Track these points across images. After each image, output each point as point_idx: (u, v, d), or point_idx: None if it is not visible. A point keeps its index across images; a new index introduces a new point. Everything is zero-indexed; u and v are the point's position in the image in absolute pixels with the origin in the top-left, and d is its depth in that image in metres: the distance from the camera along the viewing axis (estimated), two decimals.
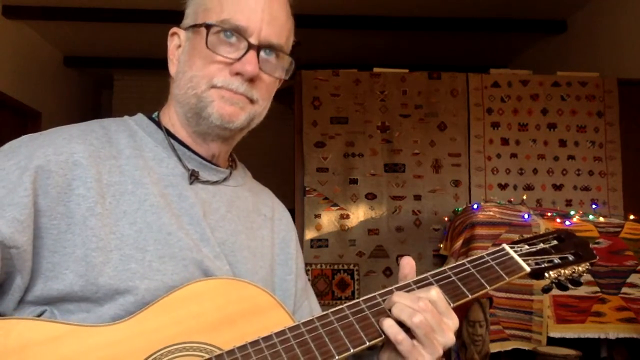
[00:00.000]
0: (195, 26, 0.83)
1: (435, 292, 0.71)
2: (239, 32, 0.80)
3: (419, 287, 0.75)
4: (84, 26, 4.81)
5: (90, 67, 5.97)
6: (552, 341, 2.34)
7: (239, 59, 0.79)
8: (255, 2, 0.81)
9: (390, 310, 0.71)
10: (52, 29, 4.98)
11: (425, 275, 0.78)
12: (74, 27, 4.88)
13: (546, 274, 0.84)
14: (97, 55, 5.76)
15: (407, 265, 0.78)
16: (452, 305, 0.75)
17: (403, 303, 0.70)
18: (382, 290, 0.76)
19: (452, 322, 0.72)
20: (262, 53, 0.81)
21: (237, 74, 0.80)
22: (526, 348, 2.35)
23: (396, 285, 0.77)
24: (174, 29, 0.88)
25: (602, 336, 2.39)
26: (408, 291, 0.75)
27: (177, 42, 0.87)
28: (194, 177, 0.83)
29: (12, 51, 4.72)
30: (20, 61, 4.85)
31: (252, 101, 0.83)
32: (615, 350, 2.48)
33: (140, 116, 0.88)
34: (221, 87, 0.80)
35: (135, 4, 4.38)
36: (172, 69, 0.86)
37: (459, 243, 2.49)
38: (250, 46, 0.80)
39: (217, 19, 0.80)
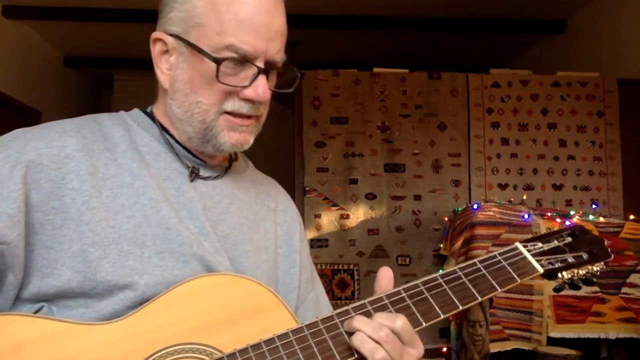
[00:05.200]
0: (192, 46, 0.76)
1: (400, 323, 0.68)
2: (247, 59, 0.75)
3: (393, 305, 0.72)
4: (84, 26, 4.79)
5: (90, 67, 5.95)
6: (552, 341, 2.34)
7: (249, 84, 0.76)
8: (260, 20, 0.74)
9: (350, 335, 0.68)
10: (52, 29, 4.96)
11: (416, 283, 0.75)
12: (74, 27, 4.86)
13: (559, 275, 0.80)
14: (97, 55, 5.74)
15: (385, 277, 0.75)
16: (461, 308, 0.74)
17: (364, 333, 0.67)
18: (339, 310, 0.72)
19: (417, 351, 0.69)
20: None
21: (247, 99, 0.77)
22: (526, 348, 2.35)
23: (369, 299, 0.73)
24: (158, 35, 0.80)
25: (602, 336, 2.39)
26: (382, 308, 0.71)
27: (163, 48, 0.80)
28: (194, 174, 0.82)
29: (12, 51, 4.71)
30: (20, 61, 4.84)
31: (257, 117, 0.82)
32: (615, 350, 2.48)
33: (136, 111, 0.87)
34: (231, 112, 0.78)
35: (135, 4, 4.37)
36: (165, 81, 0.80)
37: (459, 243, 2.49)
38: (259, 71, 0.76)
39: (221, 43, 0.74)
